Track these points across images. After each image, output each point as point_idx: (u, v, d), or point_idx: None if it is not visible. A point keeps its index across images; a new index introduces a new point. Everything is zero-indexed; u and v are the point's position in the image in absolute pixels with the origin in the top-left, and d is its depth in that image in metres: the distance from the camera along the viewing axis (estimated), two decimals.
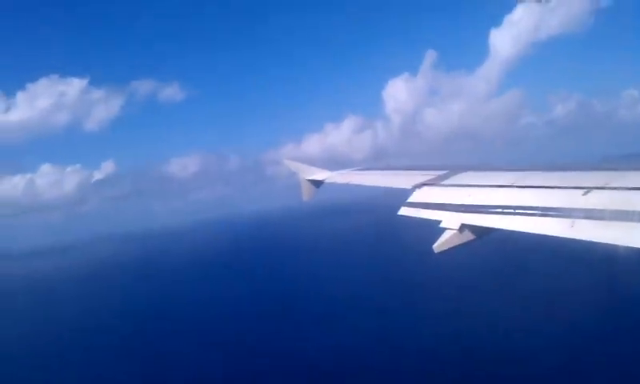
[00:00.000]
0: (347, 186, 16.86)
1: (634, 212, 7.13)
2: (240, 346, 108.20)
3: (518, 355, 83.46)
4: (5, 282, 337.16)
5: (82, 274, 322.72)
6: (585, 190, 8.32)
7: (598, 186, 8.32)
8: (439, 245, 10.10)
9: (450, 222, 10.21)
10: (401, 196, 12.37)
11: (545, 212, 8.51)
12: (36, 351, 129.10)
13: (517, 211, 9.13)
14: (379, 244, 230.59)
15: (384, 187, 14.30)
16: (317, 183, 19.67)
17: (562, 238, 7.85)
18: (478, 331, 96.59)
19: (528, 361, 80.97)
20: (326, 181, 18.80)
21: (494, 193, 10.25)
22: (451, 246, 10.03)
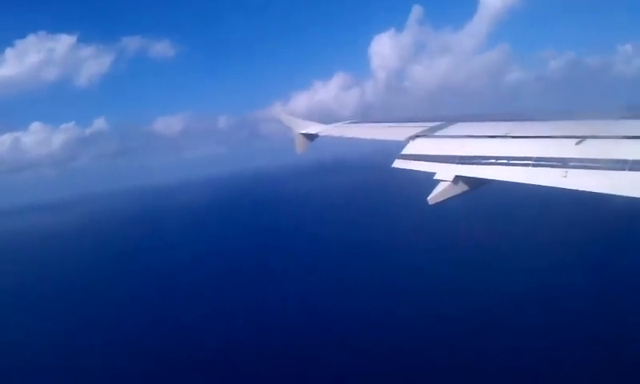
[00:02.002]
0: (341, 138, 16.74)
1: (626, 160, 7.14)
2: (231, 302, 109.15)
3: (511, 309, 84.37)
4: (8, 237, 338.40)
5: (75, 229, 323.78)
6: (578, 140, 8.31)
7: (592, 135, 8.32)
8: (433, 197, 10.10)
9: (444, 173, 10.19)
10: (395, 148, 12.32)
11: (538, 162, 8.51)
12: (36, 302, 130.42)
13: (510, 162, 9.11)
14: (373, 197, 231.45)
15: (378, 140, 14.21)
16: (310, 137, 19.51)
17: (555, 187, 7.87)
18: (468, 283, 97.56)
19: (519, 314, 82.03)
20: (320, 134, 18.64)
21: (488, 144, 10.21)
22: (445, 197, 10.02)
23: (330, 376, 70.75)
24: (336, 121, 19.17)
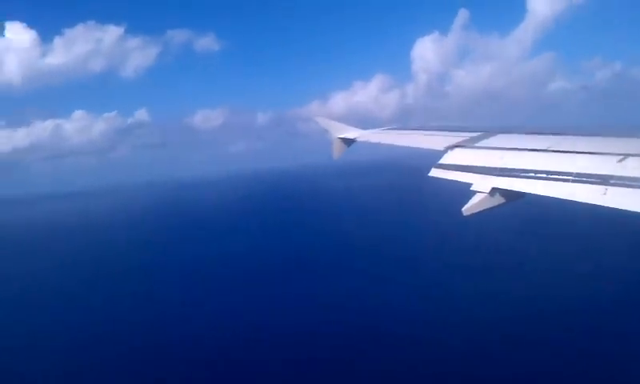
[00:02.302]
0: (378, 145, 16.74)
1: None
2: (259, 298, 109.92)
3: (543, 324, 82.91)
4: (40, 222, 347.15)
5: (112, 218, 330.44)
6: (621, 157, 8.17)
7: (635, 153, 8.18)
8: (469, 208, 10.02)
9: (481, 184, 10.11)
10: (432, 157, 12.29)
11: (578, 178, 8.38)
12: (67, 286, 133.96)
13: (550, 176, 9.00)
14: (406, 205, 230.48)
15: (416, 148, 14.16)
16: (348, 141, 19.57)
17: (594, 205, 7.75)
18: (498, 291, 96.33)
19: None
20: (358, 139, 18.70)
21: (527, 157, 10.10)
22: (481, 209, 9.93)
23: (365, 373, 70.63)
24: (374, 123, 19.35)
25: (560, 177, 8.78)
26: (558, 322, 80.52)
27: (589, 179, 8.17)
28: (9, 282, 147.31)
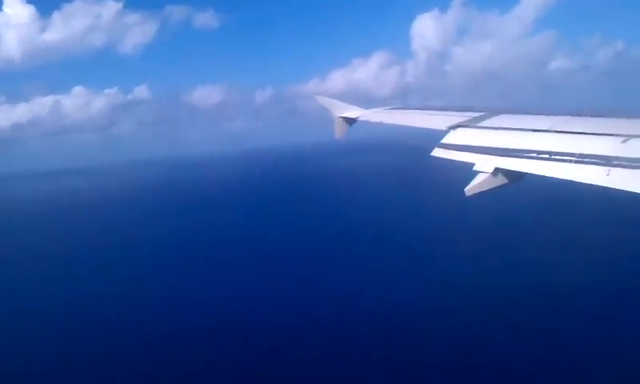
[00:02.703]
0: (380, 125, 16.66)
1: None
2: (253, 279, 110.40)
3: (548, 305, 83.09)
4: (40, 199, 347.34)
5: (112, 196, 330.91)
6: (624, 138, 8.14)
7: (639, 134, 8.15)
8: (471, 188, 10.05)
9: (484, 165, 10.11)
10: (435, 137, 12.26)
11: (581, 159, 8.36)
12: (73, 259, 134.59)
13: (552, 157, 8.97)
14: (408, 184, 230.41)
15: (418, 127, 14.11)
16: (349, 121, 19.45)
17: (597, 186, 7.75)
18: (491, 276, 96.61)
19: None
20: (359, 119, 18.62)
21: (531, 137, 10.06)
22: (483, 189, 9.97)
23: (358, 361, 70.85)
24: (373, 100, 19.19)
25: (563, 158, 8.75)
26: (558, 307, 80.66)
27: (592, 160, 8.14)
28: (7, 259, 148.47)
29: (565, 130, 9.67)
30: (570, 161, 8.52)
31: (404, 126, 15.09)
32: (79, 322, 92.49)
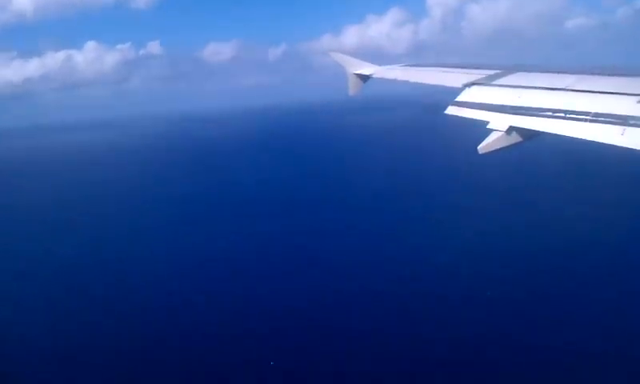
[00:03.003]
0: (395, 82, 16.52)
1: None
2: (260, 234, 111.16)
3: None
4: (56, 152, 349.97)
5: (126, 148, 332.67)
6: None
7: None
8: (484, 146, 10.04)
9: (498, 123, 10.08)
10: (449, 94, 12.17)
11: (596, 117, 8.30)
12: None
13: (567, 116, 8.92)
14: (423, 142, 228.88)
15: (433, 85, 13.99)
16: (364, 77, 19.31)
17: (611, 145, 7.73)
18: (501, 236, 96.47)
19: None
20: (373, 76, 18.48)
21: (546, 96, 9.97)
22: (497, 147, 9.96)
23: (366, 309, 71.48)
24: (387, 58, 18.99)
25: (578, 116, 8.69)
26: (570, 267, 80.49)
27: (607, 119, 8.10)
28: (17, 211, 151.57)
29: (580, 88, 9.57)
30: (585, 120, 8.48)
31: (419, 84, 14.98)
32: (89, 266, 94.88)
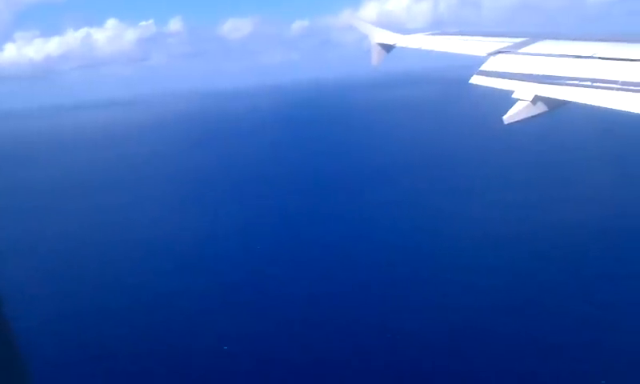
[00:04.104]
0: (418, 50, 16.30)
1: None
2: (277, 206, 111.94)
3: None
4: (80, 130, 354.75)
5: (149, 126, 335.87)
6: None
7: None
8: (510, 116, 9.94)
9: (524, 92, 9.95)
10: (474, 63, 12.04)
11: (624, 86, 8.13)
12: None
13: (594, 84, 8.72)
14: (445, 114, 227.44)
15: (457, 53, 13.84)
16: (387, 47, 18.98)
17: None
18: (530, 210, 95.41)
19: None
20: (397, 44, 18.19)
21: (572, 64, 9.80)
22: (522, 117, 9.86)
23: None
24: (406, 33, 18.53)
25: (605, 85, 8.50)
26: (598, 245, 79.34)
27: (636, 88, 7.94)
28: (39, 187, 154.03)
29: (608, 56, 9.39)
30: (613, 88, 8.32)
31: (442, 53, 14.81)
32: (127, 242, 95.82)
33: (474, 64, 12.16)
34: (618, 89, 8.22)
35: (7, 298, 60.71)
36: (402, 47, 17.59)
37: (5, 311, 57.15)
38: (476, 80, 11.64)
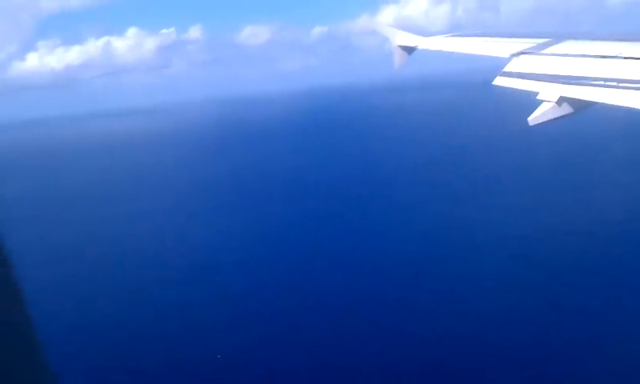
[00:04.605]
0: (440, 52, 16.20)
1: None
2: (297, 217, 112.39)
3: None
4: (102, 138, 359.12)
5: (171, 135, 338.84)
6: None
7: None
8: (535, 117, 9.84)
9: (548, 93, 9.85)
10: (497, 65, 11.97)
11: None
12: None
13: (620, 84, 8.58)
14: (469, 117, 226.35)
15: (479, 55, 13.75)
16: (409, 50, 18.90)
17: None
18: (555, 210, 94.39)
19: None
20: (419, 47, 18.11)
21: (598, 64, 9.69)
22: (548, 119, 9.76)
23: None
24: (427, 36, 18.43)
25: (632, 85, 8.35)
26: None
27: None
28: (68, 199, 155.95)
29: (634, 55, 9.27)
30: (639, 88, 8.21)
31: (464, 55, 14.73)
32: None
33: (496, 66, 12.10)
34: None
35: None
36: (424, 49, 17.53)
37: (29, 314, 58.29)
38: (499, 81, 11.54)
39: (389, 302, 66.90)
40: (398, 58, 19.23)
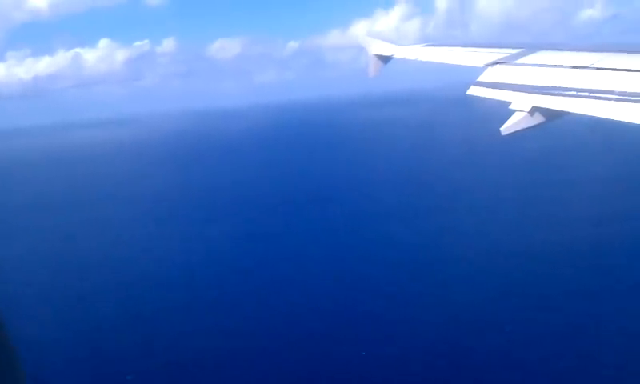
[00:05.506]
0: (413, 68, 16.26)
1: None
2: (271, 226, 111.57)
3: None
4: (76, 149, 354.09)
5: (142, 146, 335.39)
6: None
7: None
8: (507, 127, 9.91)
9: (521, 103, 9.93)
10: (471, 74, 12.07)
11: (622, 96, 8.12)
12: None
13: (592, 95, 8.70)
14: (442, 128, 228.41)
15: (454, 64, 13.84)
16: (384, 58, 18.91)
17: (637, 125, 7.59)
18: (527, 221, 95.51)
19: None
20: (395, 56, 18.11)
21: (570, 74, 9.81)
22: (520, 128, 9.84)
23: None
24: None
25: (603, 95, 8.48)
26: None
27: (633, 98, 7.94)
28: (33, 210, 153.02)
29: (605, 66, 9.41)
30: (610, 99, 8.32)
31: (439, 64, 14.78)
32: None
33: (470, 80, 12.19)
34: (615, 99, 8.22)
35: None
36: (400, 58, 17.55)
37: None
38: (474, 91, 11.63)
39: (364, 312, 67.32)
40: (373, 66, 19.18)
